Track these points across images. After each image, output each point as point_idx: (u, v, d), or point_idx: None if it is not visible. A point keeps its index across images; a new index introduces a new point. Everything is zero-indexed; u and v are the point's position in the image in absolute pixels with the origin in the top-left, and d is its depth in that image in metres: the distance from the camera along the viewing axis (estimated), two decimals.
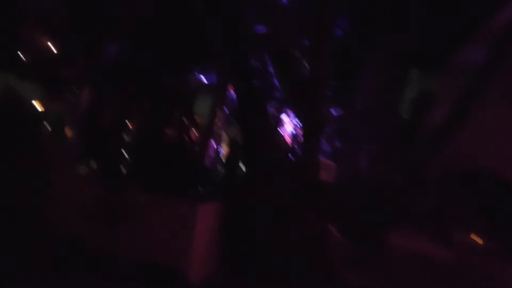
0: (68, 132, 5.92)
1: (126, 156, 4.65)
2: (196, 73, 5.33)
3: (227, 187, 4.81)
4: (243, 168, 5.59)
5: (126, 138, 5.07)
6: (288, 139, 5.71)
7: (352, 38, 5.51)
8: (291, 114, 5.67)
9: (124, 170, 4.42)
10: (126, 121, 5.18)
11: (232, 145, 5.39)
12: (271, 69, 5.23)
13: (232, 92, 5.17)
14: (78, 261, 3.98)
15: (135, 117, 5.13)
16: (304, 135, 5.02)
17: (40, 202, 4.78)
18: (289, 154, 5.43)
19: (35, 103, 8.86)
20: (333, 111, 5.45)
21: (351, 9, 5.26)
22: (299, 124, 5.62)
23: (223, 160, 5.29)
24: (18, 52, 8.17)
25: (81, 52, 6.04)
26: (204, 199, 4.17)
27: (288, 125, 5.80)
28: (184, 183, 4.16)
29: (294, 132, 5.78)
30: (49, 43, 7.69)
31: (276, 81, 5.30)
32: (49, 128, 7.07)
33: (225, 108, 5.04)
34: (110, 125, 5.16)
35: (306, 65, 5.15)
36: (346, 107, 5.77)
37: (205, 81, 5.44)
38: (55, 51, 7.54)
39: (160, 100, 5.00)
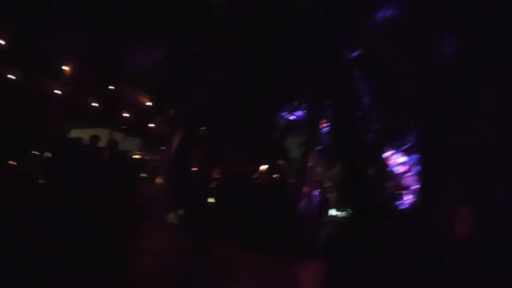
0: (159, 180, 5.81)
1: (215, 205, 4.15)
2: (285, 111, 4.80)
3: (331, 241, 3.89)
4: (346, 215, 4.64)
5: (215, 185, 4.65)
6: (398, 181, 4.63)
7: (466, 52, 4.44)
8: (399, 150, 4.65)
9: (213, 221, 3.89)
10: (215, 167, 4.81)
11: (329, 190, 4.56)
12: (369, 99, 4.41)
13: (325, 128, 4.45)
14: None
15: (224, 164, 4.74)
16: (422, 175, 3.93)
17: (128, 252, 4.52)
18: (403, 199, 4.33)
19: (134, 154, 9.46)
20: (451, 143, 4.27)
21: (464, 18, 4.27)
22: (411, 162, 4.54)
23: (321, 208, 4.44)
24: (118, 108, 8.98)
25: (172, 102, 6.11)
26: (307, 255, 3.33)
27: (398, 163, 4.74)
28: (280, 236, 3.41)
29: (406, 171, 4.68)
30: (144, 99, 8.26)
31: (375, 112, 4.44)
32: (144, 178, 7.25)
33: (319, 147, 4.30)
34: (198, 172, 4.84)
35: (413, 89, 4.21)
36: (467, 138, 4.52)
37: (295, 118, 4.86)
38: (150, 105, 8.02)
39: (249, 144, 4.56)
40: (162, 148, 7.97)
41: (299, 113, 4.70)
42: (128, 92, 8.83)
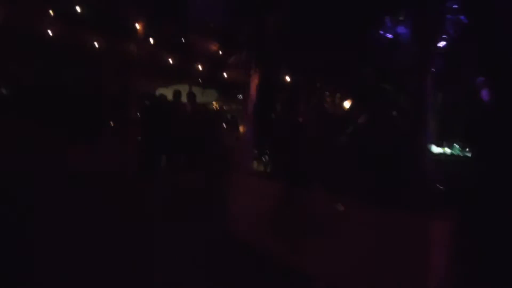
0: (242, 128, 5.41)
1: (309, 150, 3.52)
2: (387, 25, 3.59)
3: (460, 188, 2.97)
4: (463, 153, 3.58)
5: (304, 128, 3.98)
6: None
7: None
8: None
9: (308, 168, 3.30)
10: (300, 109, 4.09)
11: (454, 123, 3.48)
12: None
13: (443, 45, 3.25)
14: (258, 274, 3.09)
15: (313, 102, 3.97)
16: None
17: (217, 202, 4.35)
18: None
19: (212, 104, 9.33)
20: None
21: None
22: None
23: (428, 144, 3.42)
24: (193, 62, 8.71)
25: (243, 44, 5.40)
26: (429, 206, 2.54)
27: None
28: (396, 184, 2.66)
29: None
30: (215, 47, 7.74)
31: None
32: (225, 127, 7.04)
33: (433, 69, 3.16)
34: (284, 116, 4.20)
35: None
36: None
37: (396, 35, 3.66)
38: (222, 53, 7.49)
39: (340, 74, 3.65)
40: (240, 95, 7.59)
41: (403, 29, 3.51)
42: (199, 44, 8.45)
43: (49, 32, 7.34)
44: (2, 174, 4.59)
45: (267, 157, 4.15)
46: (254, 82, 5.08)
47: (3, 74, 7.30)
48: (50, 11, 7.20)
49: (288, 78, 4.36)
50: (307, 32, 3.67)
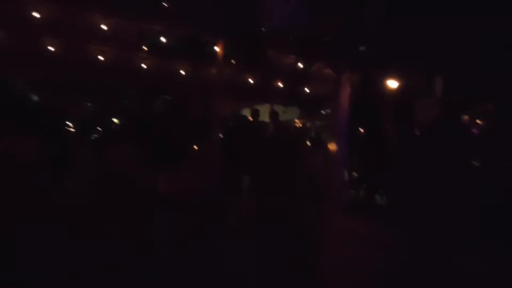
0: (332, 147, 4.41)
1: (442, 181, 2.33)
2: None
3: None
4: None
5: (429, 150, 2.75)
6: None
7: None
8: None
9: (445, 208, 2.13)
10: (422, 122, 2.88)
11: None
12: None
13: None
14: None
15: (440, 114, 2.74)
16: None
17: (307, 243, 3.35)
18: None
19: (296, 123, 8.54)
20: None
21: None
22: None
23: None
24: (273, 80, 8.13)
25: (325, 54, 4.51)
26: None
27: None
28: None
29: None
30: (294, 62, 7.03)
31: None
32: (310, 146, 6.15)
33: None
34: (393, 133, 3.06)
35: None
36: None
37: None
38: (304, 64, 6.71)
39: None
40: (325, 110, 6.69)
41: None
42: (279, 59, 7.89)
43: (142, 65, 7.77)
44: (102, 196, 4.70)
45: (369, 188, 3.06)
46: (345, 91, 4.10)
47: (115, 107, 8.02)
48: (143, 47, 7.64)
49: (394, 84, 3.22)
50: (424, 20, 2.52)
